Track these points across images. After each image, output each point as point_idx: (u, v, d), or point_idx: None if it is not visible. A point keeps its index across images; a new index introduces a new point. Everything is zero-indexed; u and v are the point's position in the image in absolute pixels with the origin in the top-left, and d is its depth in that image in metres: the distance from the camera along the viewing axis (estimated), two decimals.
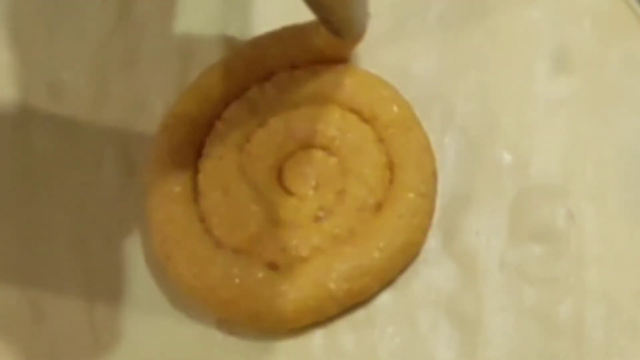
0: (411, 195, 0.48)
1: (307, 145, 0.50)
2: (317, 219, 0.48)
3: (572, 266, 0.47)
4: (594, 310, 0.46)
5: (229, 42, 0.54)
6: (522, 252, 0.48)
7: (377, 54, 0.52)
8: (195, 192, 0.50)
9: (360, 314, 0.48)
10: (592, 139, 0.50)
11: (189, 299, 0.49)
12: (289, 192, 0.49)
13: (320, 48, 0.50)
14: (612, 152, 0.50)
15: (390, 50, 0.53)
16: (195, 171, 0.50)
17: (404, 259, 0.48)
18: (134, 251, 0.50)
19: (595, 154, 0.50)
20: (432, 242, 0.49)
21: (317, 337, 0.48)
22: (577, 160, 0.50)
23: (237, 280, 0.47)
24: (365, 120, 0.50)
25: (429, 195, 0.49)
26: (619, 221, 0.48)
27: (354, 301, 0.48)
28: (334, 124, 0.50)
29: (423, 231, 0.48)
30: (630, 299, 0.47)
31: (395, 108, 0.50)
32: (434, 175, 0.49)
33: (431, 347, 0.47)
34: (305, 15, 0.52)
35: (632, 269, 0.47)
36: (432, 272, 0.48)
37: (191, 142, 0.50)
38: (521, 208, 0.49)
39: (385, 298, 0.48)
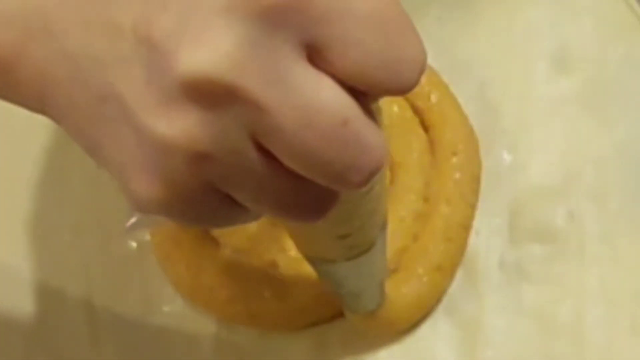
0: (412, 197, 0.48)
1: None
2: None
3: (572, 266, 0.47)
4: (594, 310, 0.46)
5: None
6: (522, 252, 0.48)
7: None
8: None
9: None
10: (592, 139, 0.50)
11: (188, 299, 0.49)
12: None
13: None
14: (612, 152, 0.50)
15: None
16: None
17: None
18: (134, 251, 0.50)
19: (595, 154, 0.50)
20: None
21: (317, 337, 0.48)
22: (577, 160, 0.50)
23: (236, 281, 0.47)
24: None
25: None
26: (619, 221, 0.48)
27: None
28: None
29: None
30: (630, 299, 0.47)
31: (395, 108, 0.50)
32: None
33: (431, 347, 0.47)
34: None
35: (632, 269, 0.47)
36: None
37: None
38: (521, 208, 0.49)
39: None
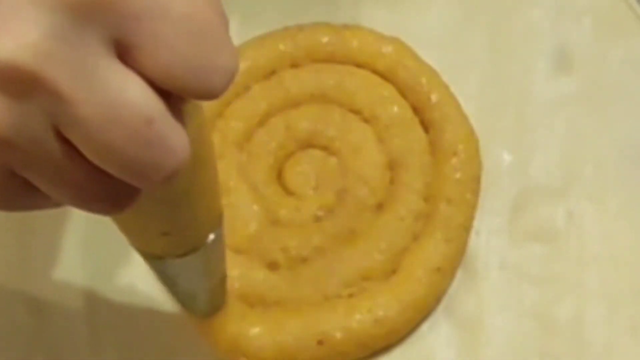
0: (412, 197, 0.48)
1: (307, 145, 0.50)
2: (317, 218, 0.48)
3: (572, 266, 0.48)
4: (594, 310, 0.47)
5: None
6: (522, 252, 0.48)
7: None
8: None
9: None
10: (592, 139, 0.50)
11: None
12: (289, 192, 0.49)
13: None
14: (612, 152, 0.50)
15: None
16: None
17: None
18: (134, 251, 0.50)
19: (595, 154, 0.50)
20: None
21: None
22: (577, 160, 0.50)
23: (236, 285, 0.47)
24: (366, 120, 0.50)
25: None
26: (619, 221, 0.48)
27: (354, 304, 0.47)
28: (334, 123, 0.50)
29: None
30: (630, 299, 0.47)
31: (395, 108, 0.50)
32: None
33: (431, 347, 0.47)
34: (307, 16, 0.53)
35: (632, 269, 0.47)
36: None
37: None
38: (521, 208, 0.49)
39: None
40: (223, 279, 0.44)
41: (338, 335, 0.45)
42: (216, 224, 0.39)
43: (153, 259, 0.40)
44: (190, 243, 0.39)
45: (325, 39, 0.51)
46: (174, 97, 0.28)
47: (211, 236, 0.39)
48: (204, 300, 0.45)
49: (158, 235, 0.36)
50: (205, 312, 0.46)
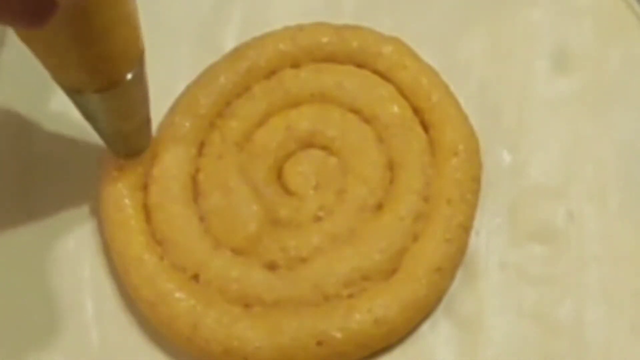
0: (412, 197, 0.48)
1: (307, 145, 0.50)
2: (317, 218, 0.48)
3: (572, 266, 0.48)
4: (594, 310, 0.47)
5: (231, 42, 0.54)
6: (522, 252, 0.48)
7: None
8: (195, 192, 0.50)
9: None
10: (592, 139, 0.50)
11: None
12: (289, 192, 0.49)
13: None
14: (612, 152, 0.50)
15: None
16: (196, 170, 0.50)
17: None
18: None
19: (595, 154, 0.50)
20: None
21: None
22: (577, 160, 0.50)
23: (235, 285, 0.47)
24: (366, 120, 0.50)
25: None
26: (619, 221, 0.48)
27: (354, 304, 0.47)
28: (334, 123, 0.50)
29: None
30: (630, 299, 0.47)
31: (395, 108, 0.50)
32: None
33: (431, 348, 0.47)
34: (308, 16, 0.53)
35: (632, 269, 0.47)
36: None
37: (192, 140, 0.50)
38: (521, 208, 0.49)
39: None
40: (146, 122, 0.46)
41: (338, 335, 0.45)
42: (135, 62, 0.41)
43: (73, 92, 0.41)
44: (108, 77, 0.41)
45: (325, 39, 0.51)
46: None
47: (129, 75, 0.41)
48: (124, 140, 0.47)
49: (76, 66, 0.39)
50: (126, 152, 0.47)
